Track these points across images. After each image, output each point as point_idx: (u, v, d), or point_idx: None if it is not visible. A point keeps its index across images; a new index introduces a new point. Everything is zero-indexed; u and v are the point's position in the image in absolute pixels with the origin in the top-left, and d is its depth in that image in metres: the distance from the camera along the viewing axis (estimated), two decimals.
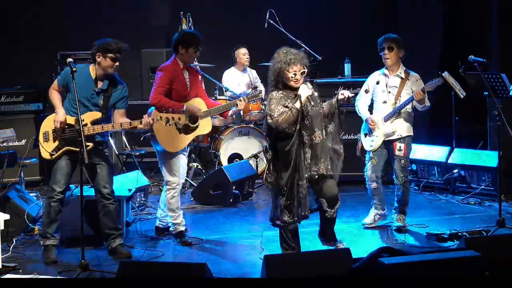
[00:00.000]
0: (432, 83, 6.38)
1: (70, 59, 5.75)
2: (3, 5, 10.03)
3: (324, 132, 5.67)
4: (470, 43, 8.87)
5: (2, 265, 5.55)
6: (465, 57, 6.81)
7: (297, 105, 5.50)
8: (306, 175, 5.58)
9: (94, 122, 5.83)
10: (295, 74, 5.56)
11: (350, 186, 8.56)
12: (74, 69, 5.65)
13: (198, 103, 6.39)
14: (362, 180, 8.64)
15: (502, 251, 4.89)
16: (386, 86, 6.61)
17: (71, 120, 5.82)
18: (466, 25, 9.33)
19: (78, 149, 5.59)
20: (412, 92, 6.44)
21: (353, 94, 5.85)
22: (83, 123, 5.67)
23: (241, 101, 6.46)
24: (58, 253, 5.99)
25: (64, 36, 9.93)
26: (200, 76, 6.63)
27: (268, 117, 5.57)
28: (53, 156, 5.83)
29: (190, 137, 6.41)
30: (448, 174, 8.12)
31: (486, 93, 7.72)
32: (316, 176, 5.60)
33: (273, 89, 5.66)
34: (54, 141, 5.84)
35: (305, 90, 5.55)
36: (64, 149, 5.83)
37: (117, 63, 5.87)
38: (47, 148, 5.85)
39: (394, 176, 6.67)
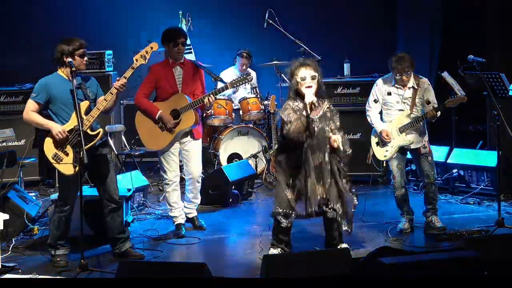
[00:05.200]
0: (451, 100, 6.33)
1: (69, 59, 5.74)
2: (3, 6, 10.03)
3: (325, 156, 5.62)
4: (470, 43, 8.86)
5: (2, 265, 5.55)
6: (465, 57, 6.82)
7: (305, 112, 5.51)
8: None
9: (87, 112, 5.73)
10: (303, 78, 5.57)
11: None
12: (74, 68, 5.64)
13: (179, 98, 6.41)
14: (361, 180, 8.70)
15: (502, 251, 4.89)
16: (401, 97, 6.51)
17: (67, 127, 5.70)
18: (466, 25, 9.32)
19: (92, 142, 5.64)
20: (423, 98, 6.41)
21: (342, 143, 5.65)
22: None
23: (208, 97, 6.32)
24: None
25: (63, 36, 9.91)
26: (200, 72, 6.61)
27: (283, 124, 5.58)
28: (77, 168, 5.57)
29: (174, 132, 6.42)
30: (447, 174, 8.12)
31: (486, 93, 7.73)
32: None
33: (288, 100, 5.70)
34: (68, 155, 5.68)
35: (310, 96, 5.52)
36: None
37: (86, 58, 5.86)
38: (67, 164, 5.66)
39: (422, 177, 6.62)
